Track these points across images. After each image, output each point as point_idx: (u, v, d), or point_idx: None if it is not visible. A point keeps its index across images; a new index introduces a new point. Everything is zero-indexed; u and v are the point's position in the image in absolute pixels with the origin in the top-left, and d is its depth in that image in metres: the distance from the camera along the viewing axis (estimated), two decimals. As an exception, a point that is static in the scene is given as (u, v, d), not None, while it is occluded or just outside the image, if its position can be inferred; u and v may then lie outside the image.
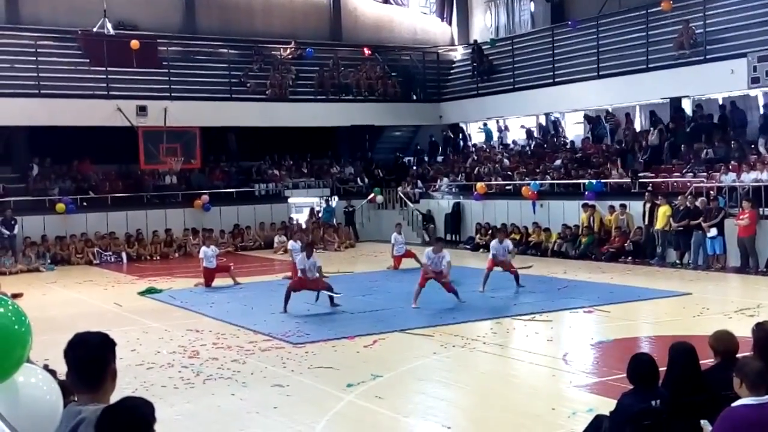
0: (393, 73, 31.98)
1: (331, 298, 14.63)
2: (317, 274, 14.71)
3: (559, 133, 29.08)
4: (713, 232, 18.34)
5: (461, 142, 32.26)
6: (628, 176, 22.09)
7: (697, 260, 18.95)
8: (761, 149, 20.38)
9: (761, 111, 22.46)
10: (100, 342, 3.41)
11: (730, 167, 19.72)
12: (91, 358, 3.36)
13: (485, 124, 31.72)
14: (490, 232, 24.54)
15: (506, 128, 31.29)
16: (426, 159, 31.48)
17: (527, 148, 28.79)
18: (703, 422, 5.28)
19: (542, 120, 29.92)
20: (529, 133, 30.01)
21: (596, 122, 26.92)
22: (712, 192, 19.25)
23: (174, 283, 19.12)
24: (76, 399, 3.97)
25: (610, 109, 26.55)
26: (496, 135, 31.42)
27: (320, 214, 28.79)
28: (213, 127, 27.12)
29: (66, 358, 3.38)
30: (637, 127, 25.59)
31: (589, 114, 27.48)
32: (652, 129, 23.54)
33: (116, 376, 3.42)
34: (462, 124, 32.74)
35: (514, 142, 30.31)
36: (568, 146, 27.21)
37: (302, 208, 29.41)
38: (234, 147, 30.27)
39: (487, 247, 23.89)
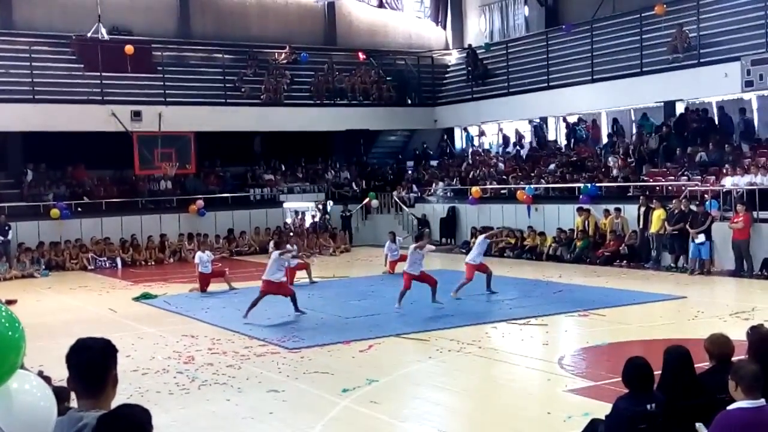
0: (388, 78, 32.01)
1: (295, 305, 14.46)
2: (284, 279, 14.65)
3: (543, 137, 29.28)
4: (701, 238, 18.31)
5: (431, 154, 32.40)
6: (627, 169, 22.08)
7: (692, 263, 18.93)
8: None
9: (740, 115, 22.50)
10: (103, 348, 3.41)
11: (725, 171, 19.77)
12: (92, 363, 3.36)
13: (465, 129, 31.93)
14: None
15: (483, 133, 31.71)
16: (412, 169, 31.57)
17: (505, 154, 29.26)
18: (698, 425, 5.27)
19: (520, 125, 30.30)
20: (505, 138, 30.45)
21: (572, 127, 27.59)
22: (706, 196, 19.28)
23: (169, 288, 19.10)
24: (69, 405, 3.96)
25: (605, 113, 26.68)
26: (477, 141, 31.84)
27: (317, 218, 28.75)
28: (208, 132, 27.09)
29: (68, 363, 3.37)
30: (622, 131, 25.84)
31: (567, 120, 27.95)
32: (653, 134, 23.51)
33: (117, 382, 3.43)
34: (457, 129, 32.81)
35: (498, 146, 30.55)
36: (561, 150, 27.30)
37: (299, 211, 29.33)
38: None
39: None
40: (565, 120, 28.29)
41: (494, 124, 31.01)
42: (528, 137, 30.01)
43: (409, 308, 14.75)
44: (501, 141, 30.62)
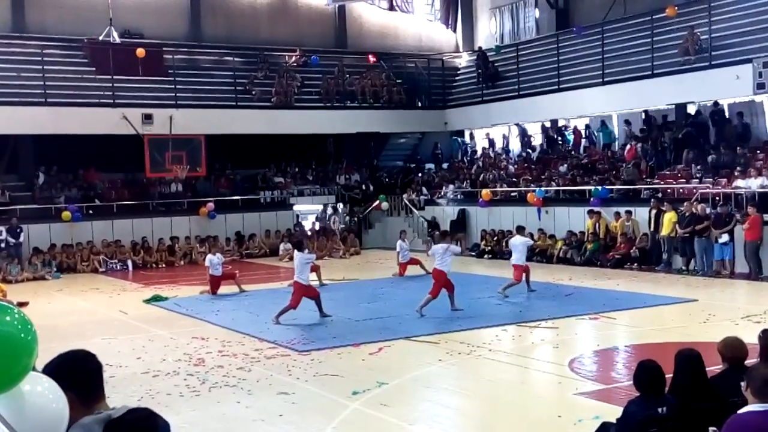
0: (398, 80, 32.00)
1: (320, 308, 14.48)
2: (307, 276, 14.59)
3: (528, 141, 29.69)
4: (725, 238, 18.23)
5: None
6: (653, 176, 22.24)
7: (703, 267, 18.87)
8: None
9: (738, 119, 22.55)
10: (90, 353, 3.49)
11: (736, 173, 19.71)
12: (98, 366, 3.41)
13: (453, 135, 32.16)
14: (495, 238, 24.59)
15: (472, 137, 32.12)
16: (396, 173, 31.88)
17: (489, 157, 29.75)
18: (712, 429, 5.23)
19: (505, 130, 30.88)
20: (491, 142, 30.92)
21: (558, 132, 28.45)
22: (717, 198, 19.20)
23: (179, 290, 19.15)
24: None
25: (614, 116, 26.65)
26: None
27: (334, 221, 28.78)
28: (218, 135, 27.17)
29: (83, 370, 3.37)
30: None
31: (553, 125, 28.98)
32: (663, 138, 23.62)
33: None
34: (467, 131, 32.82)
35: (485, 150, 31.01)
36: (573, 152, 27.33)
37: (306, 215, 29.39)
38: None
39: (492, 253, 23.96)
40: (547, 126, 28.97)
41: (482, 130, 31.50)
42: (524, 141, 30.38)
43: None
44: (488, 144, 31.09)
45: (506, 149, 30.37)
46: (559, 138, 28.60)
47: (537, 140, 29.77)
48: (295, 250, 15.04)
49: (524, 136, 29.85)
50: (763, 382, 4.53)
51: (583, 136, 27.65)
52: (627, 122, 25.47)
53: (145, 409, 3.23)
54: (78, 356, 3.45)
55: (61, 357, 3.44)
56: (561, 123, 28.78)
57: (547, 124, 28.76)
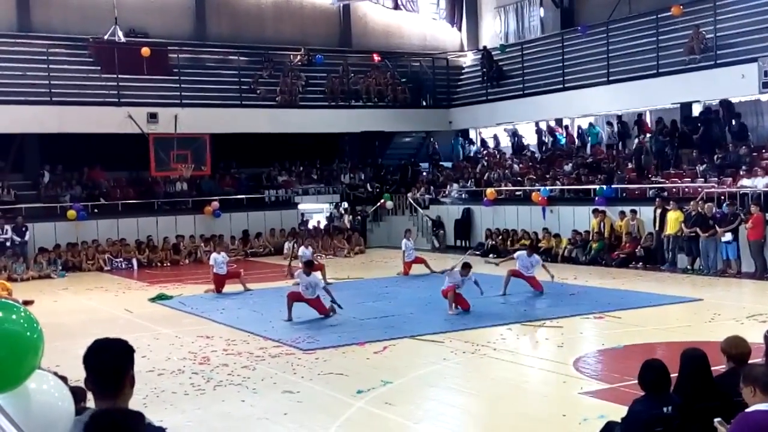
0: (403, 80, 31.99)
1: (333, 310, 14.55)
2: (318, 294, 14.46)
3: (519, 141, 29.87)
4: (728, 236, 18.21)
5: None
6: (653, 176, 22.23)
7: (708, 266, 18.83)
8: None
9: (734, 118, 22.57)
10: (121, 349, 3.46)
11: (742, 173, 19.66)
12: (112, 365, 3.40)
13: (457, 137, 32.35)
14: (500, 237, 24.57)
15: (471, 143, 32.38)
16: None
17: (493, 157, 29.86)
18: (717, 420, 5.15)
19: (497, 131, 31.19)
20: (483, 142, 31.27)
21: (551, 133, 28.76)
22: (723, 197, 19.16)
23: (184, 289, 19.17)
24: (86, 405, 3.99)
25: (620, 114, 26.64)
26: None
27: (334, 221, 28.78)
28: (223, 134, 27.19)
29: (86, 364, 3.40)
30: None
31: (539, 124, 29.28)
32: (658, 137, 23.56)
33: (134, 383, 3.47)
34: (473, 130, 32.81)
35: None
36: (577, 152, 27.30)
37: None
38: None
39: (496, 251, 23.95)
40: (536, 125, 29.15)
41: (474, 131, 31.90)
42: (515, 143, 30.49)
43: (424, 309, 14.79)
44: (480, 145, 31.33)
45: (498, 150, 30.39)
46: (551, 139, 28.64)
47: (528, 141, 29.84)
48: (302, 272, 14.81)
49: (515, 137, 29.88)
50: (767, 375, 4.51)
51: (575, 136, 27.73)
52: (609, 123, 25.70)
53: (118, 408, 3.25)
54: (100, 346, 3.46)
55: (94, 342, 3.47)
56: (557, 123, 28.82)
57: (542, 125, 28.79)
